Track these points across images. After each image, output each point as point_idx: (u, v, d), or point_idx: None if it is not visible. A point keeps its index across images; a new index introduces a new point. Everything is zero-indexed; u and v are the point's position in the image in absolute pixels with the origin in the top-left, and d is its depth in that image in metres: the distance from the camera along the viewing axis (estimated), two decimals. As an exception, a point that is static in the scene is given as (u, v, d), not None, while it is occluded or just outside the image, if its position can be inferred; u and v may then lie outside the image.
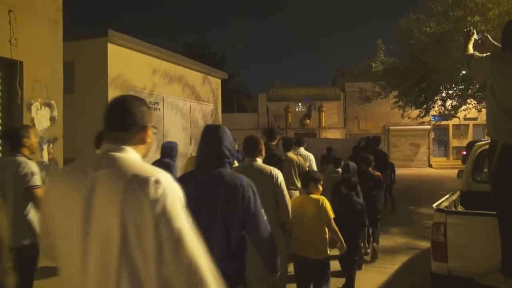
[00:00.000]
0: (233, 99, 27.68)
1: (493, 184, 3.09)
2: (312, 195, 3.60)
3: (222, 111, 13.76)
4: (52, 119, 5.94)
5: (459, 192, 4.88)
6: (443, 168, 24.18)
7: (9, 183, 3.21)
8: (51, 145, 5.94)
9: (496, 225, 3.00)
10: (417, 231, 7.52)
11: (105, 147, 1.43)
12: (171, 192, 1.30)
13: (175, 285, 1.25)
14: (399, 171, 12.21)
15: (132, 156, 1.41)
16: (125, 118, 1.45)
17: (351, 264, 4.46)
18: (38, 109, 5.72)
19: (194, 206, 1.51)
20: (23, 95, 5.50)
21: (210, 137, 2.38)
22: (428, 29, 11.74)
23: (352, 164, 5.60)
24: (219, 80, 13.37)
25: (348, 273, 4.45)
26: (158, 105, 9.70)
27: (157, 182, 1.28)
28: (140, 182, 1.27)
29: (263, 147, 3.45)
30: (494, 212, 3.07)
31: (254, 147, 3.38)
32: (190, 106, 11.27)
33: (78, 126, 7.40)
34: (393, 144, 26.77)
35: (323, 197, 3.63)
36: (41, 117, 5.78)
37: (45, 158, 5.86)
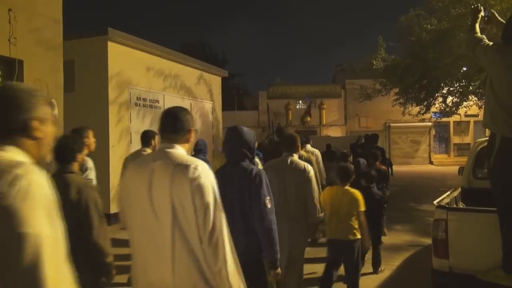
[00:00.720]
0: (233, 97, 27.67)
1: (492, 180, 3.09)
2: (349, 188, 4.10)
3: (223, 109, 13.74)
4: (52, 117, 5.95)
5: (460, 188, 4.88)
6: (444, 165, 24.17)
7: None
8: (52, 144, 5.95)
9: (497, 221, 2.99)
10: (419, 228, 7.52)
11: (162, 145, 1.98)
12: (204, 176, 1.77)
13: (204, 242, 1.73)
14: (400, 168, 12.25)
15: (179, 151, 1.92)
16: (176, 124, 1.96)
17: (376, 248, 5.08)
18: (38, 108, 5.72)
19: (221, 192, 1.88)
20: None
21: (231, 136, 2.78)
22: (429, 26, 11.72)
23: (362, 161, 6.27)
24: (219, 78, 13.36)
25: (375, 254, 5.05)
26: (158, 103, 9.71)
27: (195, 168, 1.79)
28: (183, 168, 1.78)
29: (299, 145, 3.97)
30: (495, 209, 3.06)
31: (292, 144, 3.85)
32: (190, 104, 11.26)
33: (78, 125, 7.39)
34: (394, 141, 26.77)
35: (358, 192, 4.09)
36: (42, 116, 5.78)
37: (46, 157, 5.86)
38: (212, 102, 12.62)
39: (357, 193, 4.07)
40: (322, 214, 3.92)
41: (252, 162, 2.73)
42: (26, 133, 1.26)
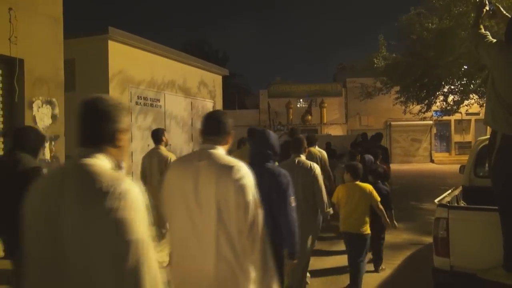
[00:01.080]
0: (234, 96, 27.66)
1: (493, 178, 3.08)
2: (359, 183, 4.43)
3: (224, 108, 13.75)
4: (53, 116, 5.95)
5: (461, 187, 4.87)
6: (445, 163, 24.16)
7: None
8: (53, 143, 5.95)
9: (498, 220, 2.99)
10: (420, 227, 7.52)
11: (203, 146, 2.17)
12: (246, 177, 1.99)
13: (244, 234, 1.96)
14: (401, 167, 12.25)
15: (221, 152, 2.13)
16: (219, 127, 2.17)
17: (379, 240, 5.23)
18: (39, 107, 5.72)
19: None
20: (24, 93, 5.51)
21: (258, 138, 3.02)
22: (430, 24, 11.68)
23: (368, 157, 6.63)
24: (220, 77, 13.36)
25: (376, 249, 5.20)
26: (159, 102, 9.71)
27: (238, 169, 1.99)
28: (227, 169, 1.99)
29: (306, 146, 4.31)
30: (496, 207, 3.06)
31: (300, 146, 4.19)
32: (191, 103, 11.26)
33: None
34: (395, 139, 26.74)
35: (369, 185, 4.53)
36: (43, 115, 5.78)
37: (47, 156, 5.87)
38: (213, 101, 12.61)
39: (369, 187, 4.47)
40: (330, 209, 4.21)
41: (274, 162, 2.97)
42: (112, 142, 1.45)
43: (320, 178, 4.07)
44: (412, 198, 10.90)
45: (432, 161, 26.47)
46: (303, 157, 4.17)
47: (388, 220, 4.61)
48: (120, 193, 1.27)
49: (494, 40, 3.11)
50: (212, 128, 2.20)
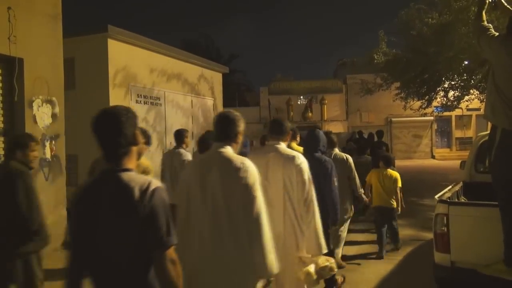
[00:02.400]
0: (235, 93, 27.62)
1: (493, 173, 3.08)
2: (389, 170, 5.83)
3: (224, 105, 13.73)
4: (53, 115, 5.95)
5: (461, 183, 4.87)
6: (446, 159, 24.12)
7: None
8: (53, 142, 5.96)
9: (498, 215, 2.99)
10: (421, 222, 7.52)
11: (271, 142, 3.17)
12: (304, 162, 2.98)
13: (302, 203, 2.92)
14: (402, 163, 12.31)
15: (283, 146, 3.12)
16: (281, 128, 3.19)
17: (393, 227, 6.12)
18: (39, 106, 5.73)
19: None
20: (24, 92, 5.51)
21: (311, 135, 4.01)
22: (430, 20, 11.64)
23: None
24: (220, 75, 13.34)
25: (390, 226, 5.96)
26: (159, 100, 9.70)
27: (298, 158, 2.98)
28: (290, 158, 2.97)
29: (336, 141, 5.28)
30: (496, 203, 3.06)
31: (333, 141, 5.07)
32: (191, 101, 11.26)
33: (79, 123, 7.39)
34: (396, 135, 26.71)
35: (396, 172, 5.89)
36: (43, 114, 5.78)
37: (48, 155, 5.87)
38: (213, 99, 12.60)
39: (396, 174, 5.84)
40: (362, 190, 5.31)
41: (322, 153, 3.93)
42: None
43: (353, 166, 5.13)
44: (413, 194, 10.89)
45: (433, 157, 26.44)
46: (336, 150, 5.17)
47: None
48: (247, 168, 2.23)
49: (496, 34, 3.10)
50: (276, 129, 3.21)
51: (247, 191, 2.20)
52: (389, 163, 5.89)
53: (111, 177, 1.65)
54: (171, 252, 1.61)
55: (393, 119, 26.23)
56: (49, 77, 5.89)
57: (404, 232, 7.00)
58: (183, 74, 10.85)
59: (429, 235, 5.86)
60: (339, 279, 4.52)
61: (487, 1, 3.29)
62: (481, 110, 23.22)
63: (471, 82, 12.71)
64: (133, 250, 1.59)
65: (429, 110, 15.63)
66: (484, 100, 13.26)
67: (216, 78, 12.95)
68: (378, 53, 13.60)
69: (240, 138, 2.45)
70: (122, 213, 1.59)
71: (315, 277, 2.90)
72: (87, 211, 1.65)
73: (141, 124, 9.35)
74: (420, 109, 15.12)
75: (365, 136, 11.37)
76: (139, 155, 1.86)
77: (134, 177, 1.65)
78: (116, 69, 8.38)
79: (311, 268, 2.89)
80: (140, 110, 9.02)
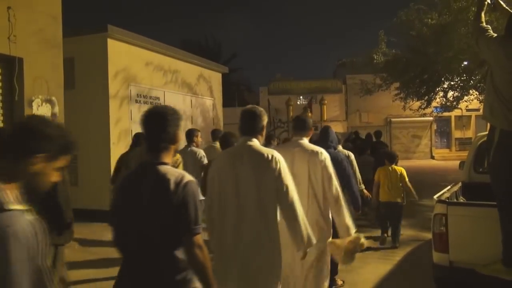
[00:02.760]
0: (234, 93, 27.62)
1: (492, 174, 3.09)
2: (395, 166, 6.30)
3: (224, 105, 13.74)
4: (53, 115, 5.96)
5: (460, 183, 4.87)
6: (446, 159, 24.14)
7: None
8: (53, 141, 5.96)
9: (497, 215, 3.00)
10: (420, 222, 7.53)
11: (295, 138, 3.51)
12: (327, 158, 3.26)
13: (330, 194, 3.22)
14: (401, 163, 12.26)
15: (306, 141, 3.44)
16: (304, 125, 3.51)
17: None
18: (39, 106, 5.73)
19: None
20: (24, 92, 5.51)
21: (323, 133, 4.46)
22: (429, 20, 11.64)
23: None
24: (220, 74, 13.34)
25: (395, 224, 6.35)
26: (158, 100, 9.71)
27: (321, 153, 3.28)
28: (315, 153, 3.26)
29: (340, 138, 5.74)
30: (495, 203, 3.06)
31: (337, 139, 5.21)
32: (191, 100, 11.26)
33: (79, 122, 7.41)
34: (395, 136, 26.74)
35: (402, 168, 6.31)
36: (42, 114, 5.79)
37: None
38: (212, 99, 12.61)
39: (402, 169, 6.26)
40: (362, 185, 5.91)
41: (334, 149, 4.32)
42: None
43: (355, 163, 5.61)
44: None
45: (432, 157, 26.46)
46: (340, 147, 5.38)
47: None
48: (276, 158, 2.50)
49: (495, 35, 3.11)
50: (301, 125, 3.52)
51: (279, 180, 2.47)
52: (393, 160, 6.38)
53: (150, 168, 1.91)
54: (198, 238, 1.84)
55: (392, 120, 26.25)
56: (49, 76, 5.90)
57: (403, 232, 7.00)
58: (183, 74, 10.86)
59: (428, 235, 5.87)
60: (339, 282, 4.54)
61: (486, 2, 3.30)
62: (481, 110, 23.26)
63: (470, 82, 12.72)
64: (166, 231, 1.83)
65: (428, 110, 15.63)
66: (483, 100, 13.27)
67: (215, 78, 12.96)
68: (377, 53, 13.61)
69: (264, 132, 2.74)
70: (159, 201, 1.84)
71: (348, 253, 3.32)
72: (129, 196, 1.93)
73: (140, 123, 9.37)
74: (420, 110, 15.12)
75: (362, 136, 11.48)
76: (175, 151, 2.04)
77: (170, 170, 1.89)
78: (116, 69, 8.39)
79: (344, 246, 3.32)
80: (139, 110, 9.02)
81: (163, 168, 1.89)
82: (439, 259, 3.41)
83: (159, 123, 1.93)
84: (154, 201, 1.85)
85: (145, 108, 9.15)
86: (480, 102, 14.03)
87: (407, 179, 6.17)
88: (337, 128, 25.18)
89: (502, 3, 3.41)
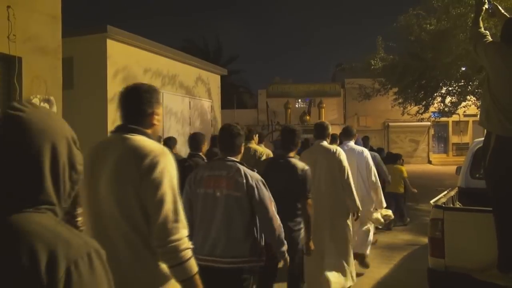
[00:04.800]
0: (232, 95, 27.62)
1: (488, 179, 3.10)
2: (398, 165, 8.20)
3: (223, 107, 13.74)
4: (51, 115, 5.94)
5: (457, 188, 4.89)
6: (443, 164, 24.17)
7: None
8: (50, 141, 5.95)
9: (493, 221, 3.00)
10: (417, 227, 7.55)
11: (317, 141, 4.34)
12: (343, 155, 4.23)
13: (344, 182, 4.20)
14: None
15: (326, 143, 4.32)
16: (324, 132, 4.35)
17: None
18: (37, 105, 5.72)
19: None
20: (22, 91, 5.50)
21: (346, 132, 5.49)
22: (428, 26, 11.70)
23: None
24: (218, 77, 13.35)
25: (399, 208, 7.89)
26: (157, 101, 9.70)
27: (336, 150, 4.24)
28: (331, 151, 4.22)
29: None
30: (491, 208, 3.07)
31: (352, 133, 5.90)
32: (189, 102, 11.26)
33: (77, 122, 7.38)
34: (393, 140, 26.78)
35: (403, 168, 8.21)
36: (40, 113, 5.78)
37: (45, 154, 5.86)
38: (211, 101, 12.61)
39: (402, 167, 8.25)
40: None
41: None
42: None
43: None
44: (409, 199, 10.92)
45: (430, 162, 26.51)
46: (352, 143, 5.98)
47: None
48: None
49: (492, 41, 3.13)
50: (321, 132, 4.33)
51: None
52: (395, 159, 8.25)
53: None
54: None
55: (390, 124, 26.30)
56: (47, 76, 5.88)
57: (399, 236, 7.03)
58: (181, 75, 10.86)
59: (424, 240, 5.89)
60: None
61: (484, 8, 3.32)
62: (478, 116, 23.32)
63: (468, 88, 12.77)
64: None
65: (426, 115, 15.69)
66: (480, 106, 13.32)
67: (214, 80, 12.96)
68: (375, 58, 13.66)
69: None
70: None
71: (382, 220, 5.29)
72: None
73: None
74: (418, 114, 15.17)
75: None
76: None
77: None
78: (115, 69, 8.39)
79: (379, 215, 5.21)
80: (138, 110, 9.02)
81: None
82: (435, 264, 3.42)
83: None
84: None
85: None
86: (477, 108, 14.06)
87: (406, 176, 8.12)
88: (335, 131, 25.16)
89: (500, 8, 3.43)
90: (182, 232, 1.68)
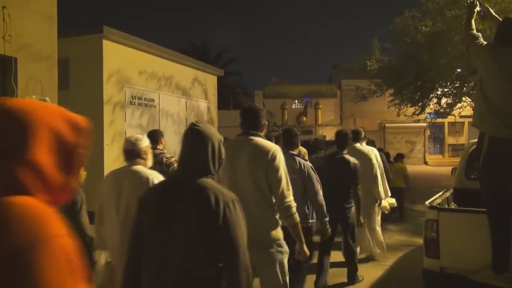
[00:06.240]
0: (229, 96, 27.61)
1: (481, 180, 3.12)
2: (400, 164, 9.14)
3: (219, 108, 13.71)
4: (46, 115, 5.92)
5: (452, 189, 4.91)
6: (439, 165, 24.28)
7: None
8: (45, 142, 5.92)
9: (487, 222, 3.02)
10: (412, 228, 7.57)
11: (354, 144, 5.44)
12: (373, 156, 5.46)
13: (374, 183, 5.31)
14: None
15: (359, 146, 5.51)
16: (358, 136, 5.59)
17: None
18: (32, 106, 5.70)
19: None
20: (18, 92, 5.48)
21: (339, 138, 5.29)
22: (423, 27, 11.76)
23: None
24: (215, 77, 13.34)
25: (399, 203, 7.67)
26: (153, 102, 9.68)
27: (368, 151, 5.44)
28: (365, 154, 5.35)
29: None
30: (485, 209, 3.09)
31: (360, 136, 6.20)
32: (186, 103, 11.25)
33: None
34: (389, 141, 26.86)
35: (405, 165, 9.25)
36: (36, 114, 5.76)
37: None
38: (207, 101, 12.59)
39: (404, 166, 9.17)
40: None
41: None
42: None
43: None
44: (405, 200, 10.95)
45: (425, 163, 26.61)
46: (358, 145, 6.10)
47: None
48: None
49: (485, 43, 3.15)
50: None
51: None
52: (398, 158, 9.29)
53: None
54: None
55: (386, 125, 26.39)
56: (43, 77, 5.87)
57: (395, 237, 7.04)
58: (178, 76, 10.84)
59: (420, 241, 5.89)
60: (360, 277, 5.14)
61: (476, 10, 3.36)
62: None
63: (463, 89, 12.84)
64: None
65: (422, 116, 15.75)
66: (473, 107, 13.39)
67: (210, 80, 12.95)
68: (371, 60, 13.71)
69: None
70: None
71: (388, 207, 5.69)
72: None
73: (134, 125, 9.28)
74: (414, 115, 15.23)
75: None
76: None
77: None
78: (111, 70, 8.36)
79: (386, 203, 5.63)
80: (133, 111, 9.00)
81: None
82: (430, 265, 3.43)
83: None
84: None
85: (139, 110, 9.21)
86: (472, 109, 14.14)
87: (406, 172, 9.16)
88: (332, 132, 25.28)
89: (491, 11, 3.46)
90: (291, 197, 2.71)
